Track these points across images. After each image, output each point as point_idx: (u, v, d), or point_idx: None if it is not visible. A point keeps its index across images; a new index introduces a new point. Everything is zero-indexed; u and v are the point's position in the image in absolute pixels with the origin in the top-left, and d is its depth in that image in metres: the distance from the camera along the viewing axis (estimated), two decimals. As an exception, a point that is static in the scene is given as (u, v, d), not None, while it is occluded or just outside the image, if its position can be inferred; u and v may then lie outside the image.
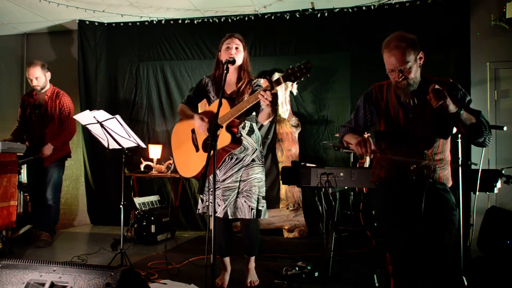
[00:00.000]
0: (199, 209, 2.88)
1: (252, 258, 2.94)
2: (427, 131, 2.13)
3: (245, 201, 2.75)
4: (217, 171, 2.81)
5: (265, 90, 2.43)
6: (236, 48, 2.79)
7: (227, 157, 2.79)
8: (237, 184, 2.78)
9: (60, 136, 4.19)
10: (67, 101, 4.30)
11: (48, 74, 4.29)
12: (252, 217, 2.74)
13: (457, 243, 2.42)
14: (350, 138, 2.26)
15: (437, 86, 1.94)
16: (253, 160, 2.81)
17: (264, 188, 2.87)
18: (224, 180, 2.80)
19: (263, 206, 2.80)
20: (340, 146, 2.40)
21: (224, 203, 2.77)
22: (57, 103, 4.25)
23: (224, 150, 2.70)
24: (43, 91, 4.29)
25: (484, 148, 2.67)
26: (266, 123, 2.81)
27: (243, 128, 2.80)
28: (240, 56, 2.80)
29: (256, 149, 2.85)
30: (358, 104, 2.36)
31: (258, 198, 2.78)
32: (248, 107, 2.59)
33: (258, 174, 2.81)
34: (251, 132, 2.84)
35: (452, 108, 1.96)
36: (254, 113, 2.83)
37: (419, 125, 2.13)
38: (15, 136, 4.34)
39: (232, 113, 2.63)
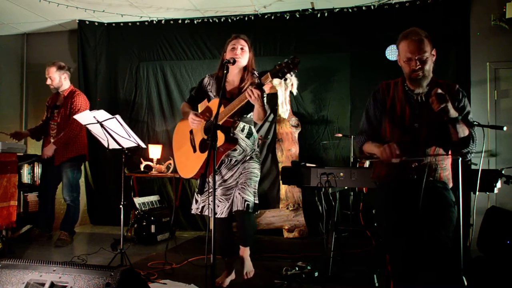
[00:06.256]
0: (192, 209, 2.88)
1: (247, 248, 2.87)
2: (431, 130, 2.14)
3: (239, 193, 2.73)
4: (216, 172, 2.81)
5: (252, 87, 2.45)
6: (242, 49, 2.75)
7: (226, 159, 2.79)
8: (237, 181, 2.79)
9: (61, 135, 4.14)
10: (77, 100, 4.25)
11: (65, 76, 4.34)
12: (244, 209, 2.69)
13: (457, 243, 2.41)
14: (371, 147, 2.23)
15: (440, 90, 1.98)
16: (251, 158, 2.83)
17: (257, 186, 2.85)
18: (225, 181, 2.81)
19: (256, 202, 2.77)
20: (362, 157, 2.37)
21: (228, 202, 2.77)
22: (69, 103, 4.25)
23: (220, 150, 2.67)
24: (60, 90, 4.34)
25: (484, 148, 2.67)
26: (260, 122, 2.78)
27: (242, 131, 2.78)
28: (245, 57, 2.77)
29: (254, 150, 2.87)
30: (366, 105, 2.36)
31: (254, 192, 2.76)
32: (239, 105, 2.58)
33: (255, 169, 2.81)
34: (249, 134, 2.83)
35: (452, 113, 2.00)
36: (252, 116, 2.81)
37: (424, 123, 2.14)
38: (32, 132, 4.45)
39: (225, 112, 2.62)
